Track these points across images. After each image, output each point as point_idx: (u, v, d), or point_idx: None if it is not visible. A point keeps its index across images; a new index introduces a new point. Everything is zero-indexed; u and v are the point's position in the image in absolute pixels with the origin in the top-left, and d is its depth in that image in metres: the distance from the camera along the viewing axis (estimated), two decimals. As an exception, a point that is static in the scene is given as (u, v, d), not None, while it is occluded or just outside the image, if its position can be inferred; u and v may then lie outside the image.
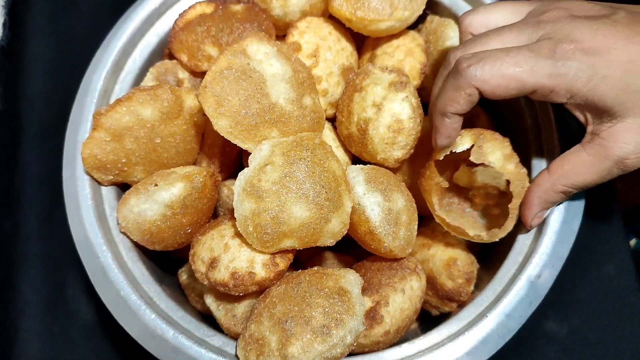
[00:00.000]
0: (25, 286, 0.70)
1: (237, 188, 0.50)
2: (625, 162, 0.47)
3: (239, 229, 0.50)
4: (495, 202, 0.59)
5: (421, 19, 0.65)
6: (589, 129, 0.49)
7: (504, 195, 0.55)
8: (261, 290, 0.52)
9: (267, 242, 0.49)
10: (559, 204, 0.55)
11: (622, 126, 0.46)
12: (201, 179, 0.54)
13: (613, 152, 0.46)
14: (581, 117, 0.49)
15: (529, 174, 0.59)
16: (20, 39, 0.81)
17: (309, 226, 0.49)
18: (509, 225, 0.54)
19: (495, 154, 0.52)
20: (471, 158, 0.52)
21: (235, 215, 0.50)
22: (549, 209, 0.54)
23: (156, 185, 0.53)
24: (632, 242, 0.88)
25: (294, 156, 0.49)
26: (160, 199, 0.53)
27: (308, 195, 0.48)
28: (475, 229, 0.58)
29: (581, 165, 0.49)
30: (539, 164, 0.59)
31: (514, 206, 0.53)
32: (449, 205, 0.60)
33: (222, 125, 0.51)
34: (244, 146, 0.52)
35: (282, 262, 0.51)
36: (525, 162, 0.60)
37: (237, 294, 0.51)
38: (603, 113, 0.46)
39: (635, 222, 0.79)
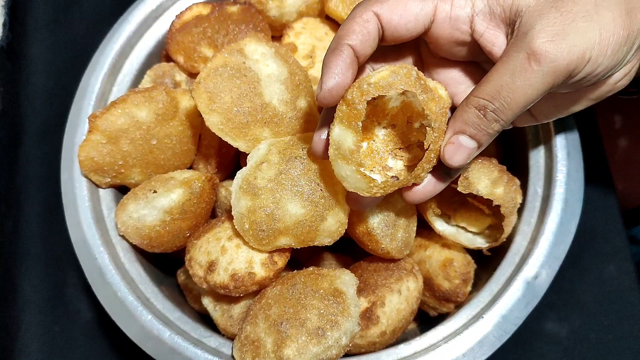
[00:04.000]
0: (26, 285, 0.71)
1: (234, 187, 0.51)
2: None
3: (236, 227, 0.51)
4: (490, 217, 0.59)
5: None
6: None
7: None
8: (261, 289, 0.52)
9: (262, 240, 0.50)
10: (482, 134, 0.43)
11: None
12: (200, 184, 0.54)
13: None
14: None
15: (527, 175, 0.59)
16: (20, 39, 0.82)
17: (304, 224, 0.49)
18: (502, 239, 0.55)
19: (482, 182, 0.52)
20: (459, 189, 0.52)
21: (232, 213, 0.51)
22: (466, 135, 0.43)
23: (155, 192, 0.53)
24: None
25: (290, 154, 0.50)
26: (159, 205, 0.53)
27: (303, 192, 0.49)
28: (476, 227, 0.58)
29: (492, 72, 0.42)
30: (536, 165, 0.59)
31: (507, 223, 0.54)
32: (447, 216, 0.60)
33: (213, 122, 0.52)
34: (234, 144, 0.53)
35: (280, 260, 0.52)
36: (524, 162, 0.60)
37: (237, 295, 0.51)
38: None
39: (635, 223, 0.79)
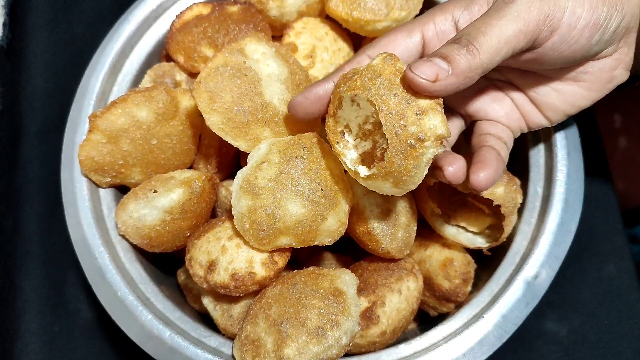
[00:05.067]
0: (26, 285, 0.71)
1: (235, 186, 0.51)
2: None
3: (236, 227, 0.51)
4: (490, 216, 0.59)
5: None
6: None
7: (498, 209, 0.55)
8: (261, 289, 0.52)
9: (263, 239, 0.50)
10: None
11: None
12: (200, 184, 0.54)
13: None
14: None
15: (527, 174, 0.59)
16: (20, 39, 0.82)
17: (305, 223, 0.49)
18: (502, 239, 0.55)
19: None
20: (459, 188, 0.52)
21: (233, 212, 0.51)
22: (438, 57, 0.40)
23: (155, 191, 0.53)
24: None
25: (291, 154, 0.49)
26: (159, 205, 0.53)
27: (303, 192, 0.49)
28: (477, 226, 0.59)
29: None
30: (536, 164, 0.59)
31: (507, 223, 0.54)
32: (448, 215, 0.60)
33: (213, 121, 0.52)
34: (235, 144, 0.53)
35: (281, 260, 0.52)
36: (524, 162, 0.60)
37: (237, 294, 0.51)
38: None
39: (635, 223, 0.79)
